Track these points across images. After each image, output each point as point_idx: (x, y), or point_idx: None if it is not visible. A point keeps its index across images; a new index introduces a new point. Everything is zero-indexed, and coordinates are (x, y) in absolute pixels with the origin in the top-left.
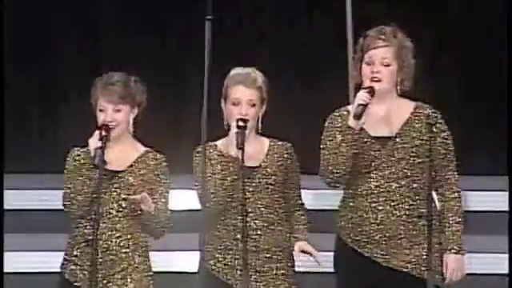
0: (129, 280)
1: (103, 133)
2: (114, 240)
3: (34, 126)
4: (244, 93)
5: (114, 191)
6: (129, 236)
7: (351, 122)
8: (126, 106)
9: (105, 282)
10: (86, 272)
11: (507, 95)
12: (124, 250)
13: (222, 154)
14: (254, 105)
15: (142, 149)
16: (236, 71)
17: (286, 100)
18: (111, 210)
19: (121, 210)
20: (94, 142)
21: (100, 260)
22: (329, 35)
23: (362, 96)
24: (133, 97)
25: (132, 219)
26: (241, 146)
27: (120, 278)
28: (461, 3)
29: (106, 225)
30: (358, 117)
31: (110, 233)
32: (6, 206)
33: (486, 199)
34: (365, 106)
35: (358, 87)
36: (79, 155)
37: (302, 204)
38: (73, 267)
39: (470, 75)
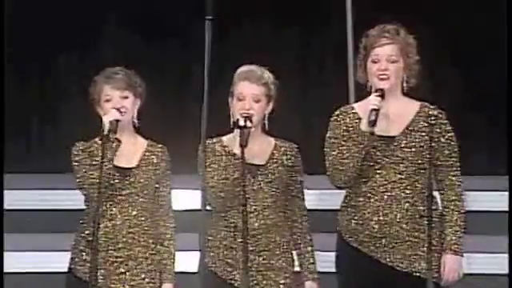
0: (143, 276)
1: (117, 113)
2: (129, 237)
3: (34, 126)
4: (249, 88)
5: (128, 189)
6: (143, 233)
7: (365, 127)
8: (131, 94)
9: (118, 278)
10: (102, 270)
11: (507, 95)
12: (139, 247)
13: (226, 149)
14: (258, 100)
15: (145, 142)
16: (242, 68)
17: (286, 99)
18: (126, 208)
19: (135, 206)
20: (111, 116)
21: (115, 257)
22: (329, 35)
23: (374, 101)
24: (135, 86)
25: (144, 215)
26: (244, 144)
27: (134, 275)
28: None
29: (121, 222)
30: (373, 123)
31: (125, 230)
32: (5, 206)
33: (486, 199)
34: (378, 110)
35: (364, 87)
36: (85, 150)
37: (305, 214)
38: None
39: (470, 75)
